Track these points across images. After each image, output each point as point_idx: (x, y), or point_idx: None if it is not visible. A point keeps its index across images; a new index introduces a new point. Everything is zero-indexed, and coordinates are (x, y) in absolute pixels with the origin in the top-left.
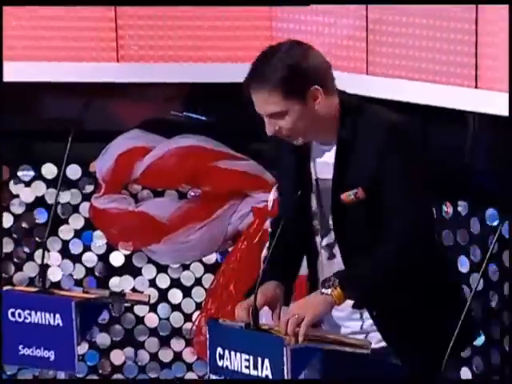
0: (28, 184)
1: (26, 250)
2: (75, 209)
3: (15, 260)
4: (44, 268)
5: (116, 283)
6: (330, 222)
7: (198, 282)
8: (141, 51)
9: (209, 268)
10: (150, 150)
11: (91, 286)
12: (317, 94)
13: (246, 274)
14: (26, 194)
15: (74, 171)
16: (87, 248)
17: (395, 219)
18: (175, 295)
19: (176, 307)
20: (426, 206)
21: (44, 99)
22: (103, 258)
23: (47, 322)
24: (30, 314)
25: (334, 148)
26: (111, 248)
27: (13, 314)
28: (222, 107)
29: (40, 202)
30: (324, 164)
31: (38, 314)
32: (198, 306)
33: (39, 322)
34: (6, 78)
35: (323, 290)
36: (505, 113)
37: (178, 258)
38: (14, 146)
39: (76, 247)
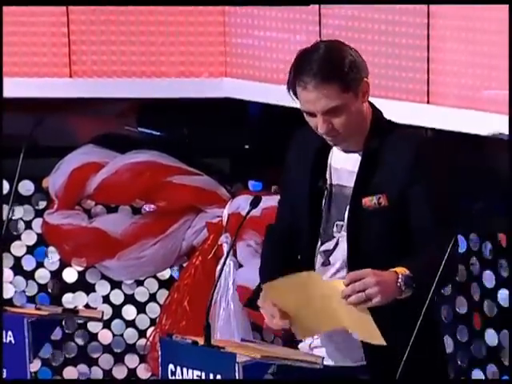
0: None
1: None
2: (28, 225)
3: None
4: None
5: (69, 299)
6: (334, 229)
7: (153, 297)
8: (94, 66)
9: (163, 284)
10: (103, 165)
11: (44, 302)
12: (367, 87)
13: (200, 289)
14: None
15: (26, 187)
16: (40, 264)
17: (423, 239)
18: (129, 311)
19: (130, 323)
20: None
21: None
22: (56, 274)
23: None
24: None
25: (358, 155)
26: (64, 264)
27: None
28: (176, 122)
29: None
30: (345, 170)
31: None
32: (153, 321)
33: None
34: None
35: (404, 289)
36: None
37: (132, 274)
38: None
39: (28, 263)
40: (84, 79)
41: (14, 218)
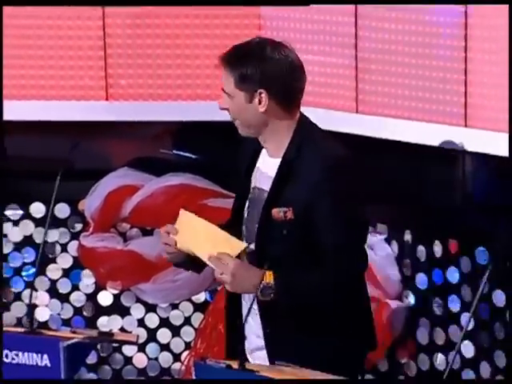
0: (16, 223)
1: (14, 289)
2: (63, 248)
3: (3, 300)
4: (32, 308)
5: (104, 323)
6: (255, 232)
7: (188, 321)
8: (130, 89)
9: (198, 307)
10: (138, 188)
11: (79, 325)
12: (262, 97)
13: None
14: (14, 234)
15: (62, 210)
16: (75, 287)
17: (327, 255)
18: (164, 335)
19: (165, 347)
20: (355, 244)
21: (33, 138)
22: (91, 297)
23: (35, 363)
24: (17, 355)
25: (277, 161)
26: (99, 287)
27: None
28: (212, 145)
29: (28, 241)
30: (265, 175)
31: (26, 354)
32: (188, 345)
33: (27, 363)
34: None
35: (259, 294)
36: (500, 152)
37: (167, 297)
38: (2, 185)
39: (64, 286)
40: (120, 102)
41: (49, 240)
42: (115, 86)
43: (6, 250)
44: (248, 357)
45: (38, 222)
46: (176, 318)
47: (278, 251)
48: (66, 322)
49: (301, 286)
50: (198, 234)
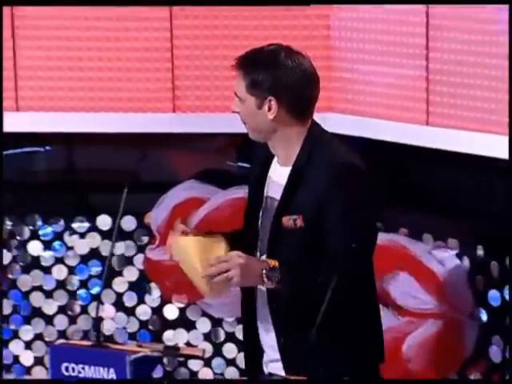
0: (83, 235)
1: (80, 302)
2: (129, 261)
3: (69, 313)
4: (98, 321)
5: (170, 337)
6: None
7: None
8: (197, 101)
9: None
10: (205, 201)
11: (145, 339)
12: (272, 106)
13: None
14: (81, 246)
15: (129, 222)
16: (141, 301)
17: (332, 256)
18: (230, 349)
19: (231, 362)
20: (363, 252)
21: (100, 150)
22: (157, 310)
23: (101, 377)
24: (83, 369)
25: (288, 169)
26: (165, 301)
27: (66, 369)
28: None
29: (95, 253)
30: (276, 184)
31: (92, 368)
32: None
33: (93, 377)
34: (62, 129)
35: (266, 280)
36: None
37: (233, 311)
38: (69, 198)
39: (130, 300)
40: (187, 114)
41: (116, 253)
42: (182, 98)
43: (72, 263)
44: (264, 368)
45: (105, 235)
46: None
47: (289, 259)
48: (132, 336)
49: (304, 273)
50: (187, 255)
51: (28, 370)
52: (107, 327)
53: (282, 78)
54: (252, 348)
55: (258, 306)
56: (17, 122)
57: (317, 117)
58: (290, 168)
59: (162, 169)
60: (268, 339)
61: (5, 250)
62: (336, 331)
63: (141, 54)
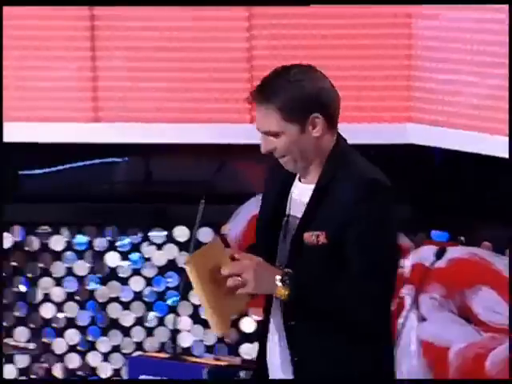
0: (160, 247)
1: (157, 314)
2: None
3: (146, 324)
4: (175, 333)
5: (247, 350)
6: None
7: None
8: None
9: None
10: None
11: (222, 352)
12: (316, 122)
13: None
14: (158, 257)
15: (205, 234)
16: None
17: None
18: None
19: None
20: (388, 271)
21: (177, 161)
22: (234, 324)
23: None
24: (160, 381)
25: (312, 187)
26: (242, 314)
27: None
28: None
29: (172, 265)
30: (298, 202)
31: (169, 380)
32: None
33: None
34: (140, 140)
35: (280, 285)
36: None
37: None
38: (147, 209)
39: None
40: None
41: None
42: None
43: (149, 274)
44: None
45: (182, 246)
46: None
47: (309, 275)
48: (209, 349)
49: (320, 283)
50: (193, 283)
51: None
52: (184, 340)
53: (313, 91)
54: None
55: (273, 325)
56: (96, 133)
57: (396, 127)
58: (314, 185)
59: (238, 180)
60: (277, 359)
61: (82, 261)
62: (350, 349)
63: (219, 64)
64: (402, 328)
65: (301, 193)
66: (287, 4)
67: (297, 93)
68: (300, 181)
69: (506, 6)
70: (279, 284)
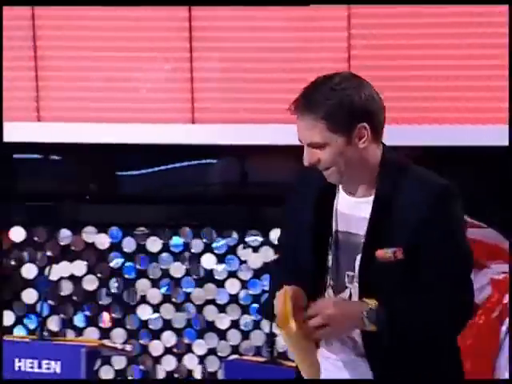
0: (256, 250)
1: (253, 317)
2: None
3: (242, 328)
4: (271, 337)
5: None
6: (346, 280)
7: None
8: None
9: None
10: None
11: None
12: (363, 132)
13: (483, 351)
14: (254, 260)
15: None
16: None
17: (437, 286)
18: None
19: None
20: (469, 277)
21: (272, 163)
22: None
23: None
24: None
25: (368, 201)
26: None
27: None
28: (458, 172)
29: (268, 268)
30: (353, 217)
31: None
32: None
33: None
34: (235, 141)
35: (367, 322)
36: None
37: None
38: (243, 211)
39: None
40: None
41: None
42: None
43: (245, 277)
44: None
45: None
46: None
47: (385, 293)
48: None
49: (410, 310)
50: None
51: None
52: (280, 344)
53: (359, 100)
54: None
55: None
56: (192, 135)
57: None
58: (371, 198)
59: None
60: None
61: (178, 263)
62: (436, 366)
63: (319, 64)
64: (505, 337)
65: (351, 206)
66: (287, 4)
67: (342, 101)
68: (346, 193)
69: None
70: (367, 322)
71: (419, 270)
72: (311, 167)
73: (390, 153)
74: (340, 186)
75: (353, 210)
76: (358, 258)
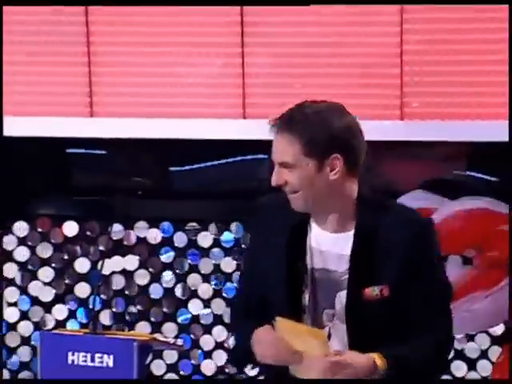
0: None
1: None
2: None
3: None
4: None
5: None
6: (324, 318)
7: (484, 354)
8: (427, 108)
9: (495, 340)
10: (432, 211)
11: None
12: (336, 163)
13: None
14: None
15: None
16: None
17: (430, 323)
18: (459, 367)
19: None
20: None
21: None
22: None
23: None
24: None
25: (346, 236)
26: None
27: None
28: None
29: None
30: (329, 253)
31: None
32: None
33: None
34: None
35: (380, 371)
36: None
37: (462, 328)
38: None
39: None
40: (414, 122)
41: None
42: (407, 105)
43: None
44: None
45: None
46: (472, 350)
47: (373, 330)
48: None
49: (413, 363)
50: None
51: None
52: None
53: (339, 130)
54: None
55: None
56: (244, 129)
57: None
58: (350, 233)
59: (388, 177)
60: None
61: (228, 258)
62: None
63: (370, 59)
64: None
65: (328, 242)
66: (287, 4)
67: (321, 127)
68: (320, 228)
69: None
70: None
71: (404, 307)
72: (278, 193)
73: (366, 188)
74: (312, 221)
75: (330, 246)
76: (339, 295)
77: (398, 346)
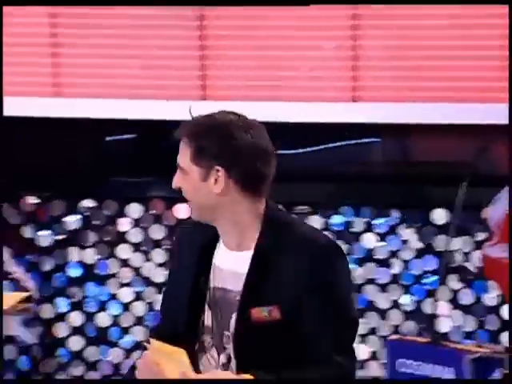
0: (418, 229)
1: (415, 298)
2: (466, 256)
3: (403, 308)
4: (433, 318)
5: (507, 338)
6: (224, 340)
7: None
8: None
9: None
10: None
11: (484, 339)
12: (219, 177)
13: None
14: (415, 240)
15: (465, 218)
16: (478, 299)
17: (321, 351)
18: None
19: None
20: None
21: (433, 142)
22: (495, 310)
23: (438, 375)
24: (419, 366)
25: (246, 255)
26: (503, 300)
27: (402, 365)
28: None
29: (429, 248)
30: (229, 272)
31: (429, 366)
32: None
33: (429, 375)
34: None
35: None
36: None
37: None
38: (403, 190)
39: (466, 297)
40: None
41: (452, 248)
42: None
43: (407, 257)
44: None
45: (440, 229)
46: None
47: (263, 354)
48: (469, 335)
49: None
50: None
51: (362, 364)
52: (442, 325)
53: (233, 147)
54: None
55: None
56: (353, 113)
57: None
58: (249, 253)
59: (500, 162)
60: None
61: (339, 241)
62: None
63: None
64: None
65: (229, 261)
66: (287, 4)
67: (216, 137)
68: (226, 247)
69: None
70: None
71: (302, 332)
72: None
73: (273, 208)
74: (221, 239)
75: (230, 265)
76: (233, 316)
77: (283, 371)
